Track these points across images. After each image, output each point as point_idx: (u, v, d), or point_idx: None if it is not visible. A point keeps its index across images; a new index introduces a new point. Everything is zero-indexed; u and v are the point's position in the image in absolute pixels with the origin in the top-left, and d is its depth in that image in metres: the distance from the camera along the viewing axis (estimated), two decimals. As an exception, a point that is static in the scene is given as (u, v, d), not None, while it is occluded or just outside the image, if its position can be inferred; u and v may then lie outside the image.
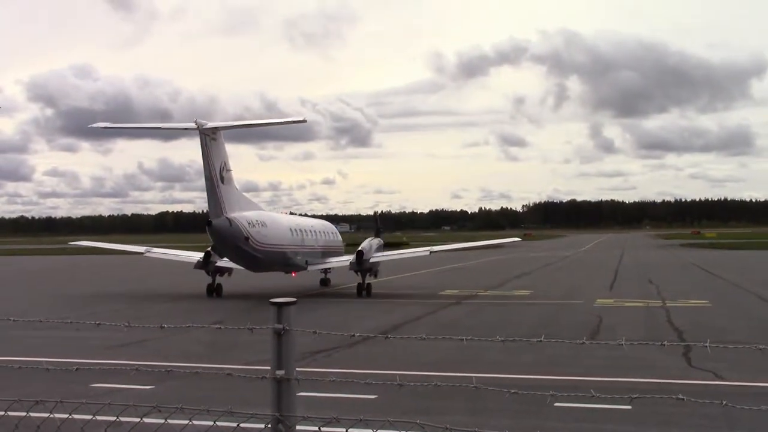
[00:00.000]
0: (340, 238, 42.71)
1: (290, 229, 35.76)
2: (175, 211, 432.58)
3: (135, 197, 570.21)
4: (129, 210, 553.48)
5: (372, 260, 35.87)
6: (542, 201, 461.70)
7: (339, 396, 12.20)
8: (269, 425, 4.96)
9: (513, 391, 5.00)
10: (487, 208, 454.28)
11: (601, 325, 23.37)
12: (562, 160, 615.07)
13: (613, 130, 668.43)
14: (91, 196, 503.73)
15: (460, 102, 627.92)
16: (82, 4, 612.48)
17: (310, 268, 36.83)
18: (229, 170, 32.50)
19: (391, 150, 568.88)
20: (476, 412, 11.60)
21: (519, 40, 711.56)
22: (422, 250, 42.85)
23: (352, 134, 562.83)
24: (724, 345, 5.17)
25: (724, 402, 4.62)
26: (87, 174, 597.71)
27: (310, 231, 38.19)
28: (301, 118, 35.71)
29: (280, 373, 4.94)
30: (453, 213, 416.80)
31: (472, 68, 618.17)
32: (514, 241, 58.42)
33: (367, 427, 5.01)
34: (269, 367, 4.99)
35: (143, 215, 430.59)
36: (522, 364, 15.85)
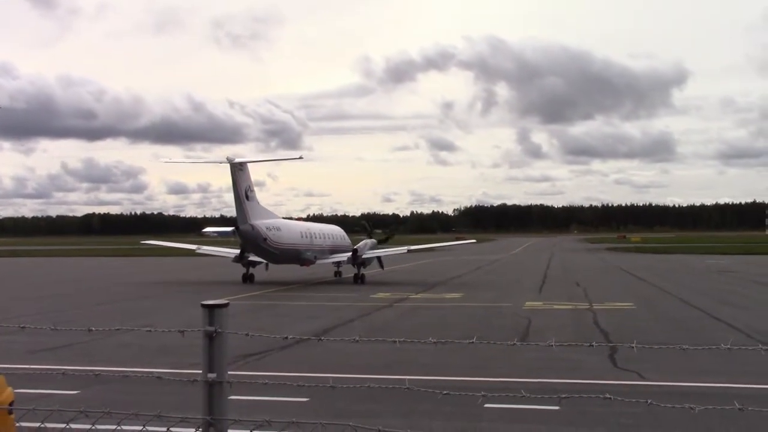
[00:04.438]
0: (348, 240, 52.01)
1: (301, 233, 46.08)
2: (101, 213, 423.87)
3: (59, 198, 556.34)
4: (53, 211, 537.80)
5: (364, 256, 46.24)
6: (472, 205, 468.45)
7: (271, 399, 12.12)
8: (200, 429, 4.89)
9: (445, 392, 5.04)
10: (419, 212, 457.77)
11: (531, 327, 23.72)
12: (491, 164, 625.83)
13: (541, 136, 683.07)
14: (12, 197, 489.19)
15: (389, 106, 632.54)
16: None
17: (318, 262, 47.03)
18: (252, 191, 42.48)
19: (322, 153, 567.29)
20: (409, 414, 11.65)
21: (445, 45, 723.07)
22: (401, 249, 51.99)
23: (282, 137, 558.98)
24: (649, 346, 5.30)
25: (649, 401, 4.74)
26: (8, 174, 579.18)
27: (320, 234, 48.69)
28: (298, 155, 47.56)
29: (212, 376, 4.88)
30: (385, 216, 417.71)
31: (400, 73, 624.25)
32: (471, 242, 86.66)
33: (299, 429, 4.98)
34: (200, 371, 4.92)
35: (68, 216, 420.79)
36: (454, 366, 15.98)
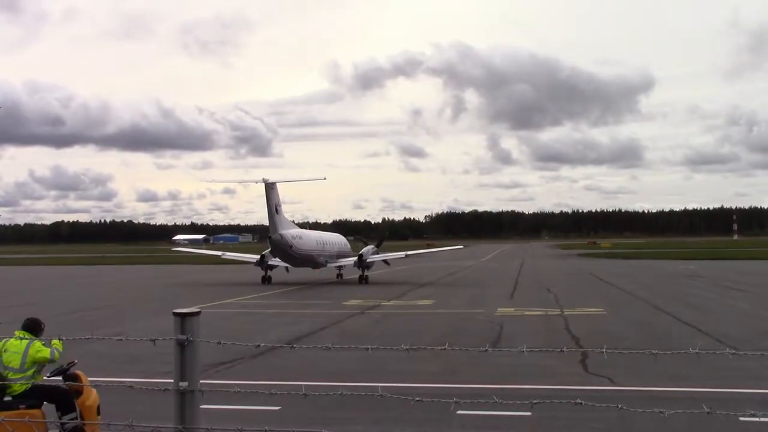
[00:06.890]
0: (349, 246, 60.22)
1: (316, 241, 53.72)
2: (70, 221, 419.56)
3: (27, 206, 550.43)
4: (21, 220, 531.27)
5: (369, 260, 53.19)
6: (444, 212, 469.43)
7: (243, 408, 12.04)
8: (172, 438, 4.86)
9: (417, 399, 5.06)
10: (391, 219, 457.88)
11: (502, 333, 23.80)
12: (462, 171, 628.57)
13: (510, 142, 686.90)
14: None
15: (358, 113, 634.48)
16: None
17: (328, 265, 54.20)
18: (280, 205, 50.25)
19: (292, 160, 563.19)
20: (381, 421, 11.65)
21: (414, 52, 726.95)
22: (399, 254, 58.94)
23: (252, 143, 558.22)
24: (619, 351, 5.36)
25: (620, 406, 4.79)
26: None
27: (329, 242, 56.31)
28: (321, 177, 57.48)
29: (184, 384, 4.85)
30: (357, 223, 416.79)
31: (369, 80, 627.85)
32: (459, 248, 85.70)
33: (272, 437, 4.97)
34: (172, 380, 4.89)
35: (36, 225, 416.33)
36: (426, 373, 16.00)
